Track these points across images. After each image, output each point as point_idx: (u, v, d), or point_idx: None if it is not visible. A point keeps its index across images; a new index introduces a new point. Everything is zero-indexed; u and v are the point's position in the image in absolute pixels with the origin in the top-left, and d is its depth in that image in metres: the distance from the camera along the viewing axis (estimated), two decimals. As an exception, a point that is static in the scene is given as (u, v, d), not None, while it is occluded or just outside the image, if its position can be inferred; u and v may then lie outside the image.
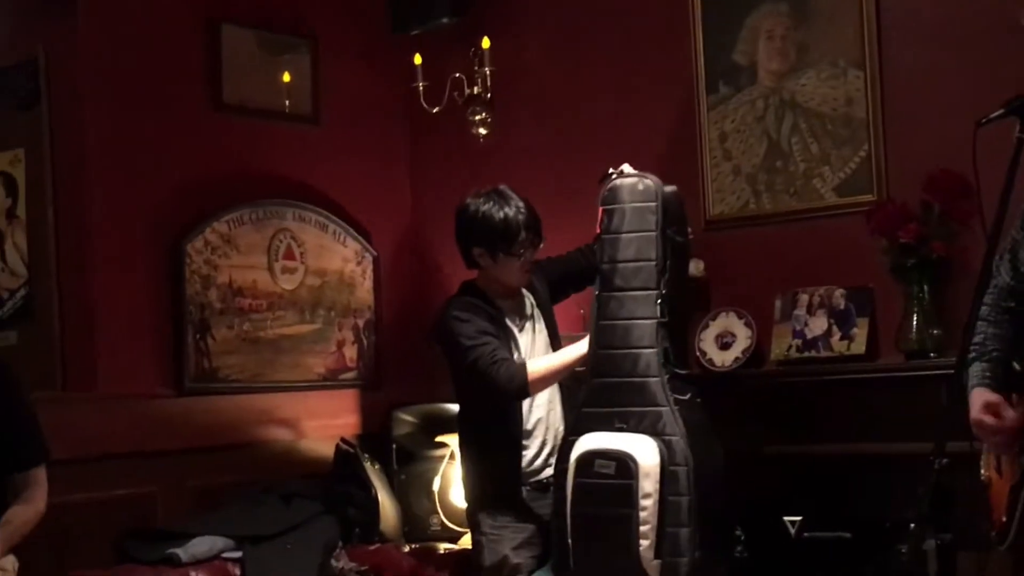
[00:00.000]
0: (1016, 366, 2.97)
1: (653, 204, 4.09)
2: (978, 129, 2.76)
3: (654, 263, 4.05)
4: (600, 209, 4.18)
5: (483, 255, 4.14)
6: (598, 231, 4.18)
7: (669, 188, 4.15)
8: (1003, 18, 4.16)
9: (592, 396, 4.06)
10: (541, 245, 4.21)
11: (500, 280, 4.19)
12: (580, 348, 4.08)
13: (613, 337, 4.06)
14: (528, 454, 4.13)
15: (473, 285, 4.24)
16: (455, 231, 4.23)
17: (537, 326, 4.25)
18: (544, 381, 4.07)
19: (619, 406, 3.99)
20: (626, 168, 4.21)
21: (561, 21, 5.47)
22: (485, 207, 4.12)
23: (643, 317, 4.03)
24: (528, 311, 4.26)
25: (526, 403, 4.10)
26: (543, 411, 4.17)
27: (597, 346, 4.09)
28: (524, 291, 4.27)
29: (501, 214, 4.09)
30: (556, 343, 4.27)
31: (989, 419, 2.83)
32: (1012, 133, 2.76)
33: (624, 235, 4.10)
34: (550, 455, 4.15)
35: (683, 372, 4.07)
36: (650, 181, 4.12)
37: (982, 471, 3.04)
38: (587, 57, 5.37)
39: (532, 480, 4.13)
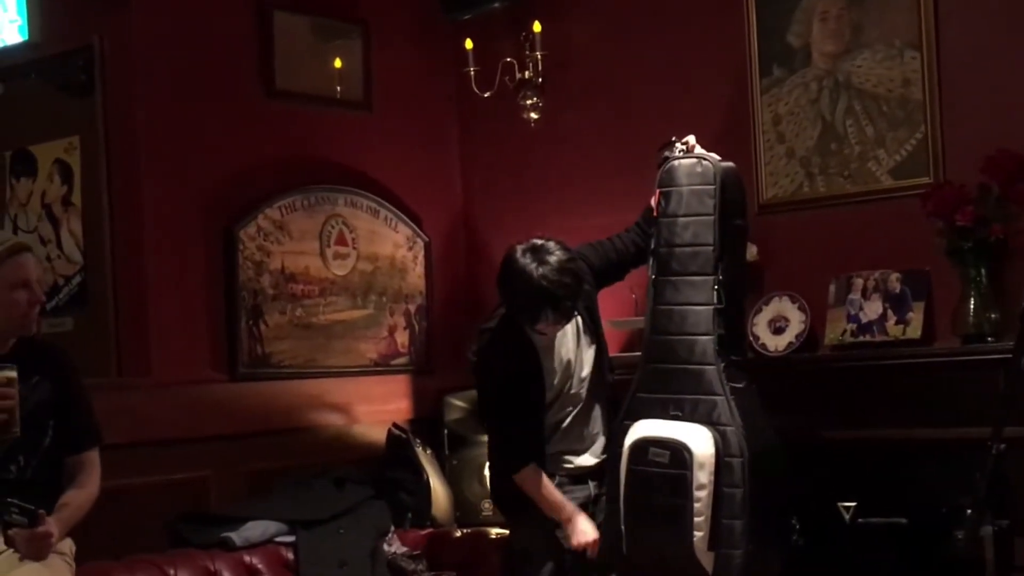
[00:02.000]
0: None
1: (711, 187, 4.02)
2: None
3: (711, 248, 4.00)
4: (657, 191, 4.13)
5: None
6: (655, 214, 4.13)
7: (726, 164, 4.10)
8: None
9: (646, 381, 4.03)
10: (572, 316, 4.01)
11: None
12: (572, 519, 3.99)
13: (669, 323, 4.03)
14: (565, 457, 4.13)
15: (512, 319, 4.08)
16: None
17: (581, 348, 4.12)
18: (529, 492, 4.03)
19: (674, 393, 3.95)
20: (691, 140, 4.14)
21: (612, 4, 5.44)
22: (517, 269, 3.92)
23: (699, 303, 3.99)
24: (571, 337, 4.11)
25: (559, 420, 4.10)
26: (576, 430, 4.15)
27: (653, 331, 4.06)
28: None
29: (523, 286, 3.88)
30: (602, 355, 4.18)
31: None
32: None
33: (681, 218, 4.05)
34: (587, 455, 4.14)
35: (739, 359, 4.02)
36: (708, 163, 4.05)
37: None
38: (638, 40, 5.33)
39: (565, 469, 4.11)
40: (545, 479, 4.02)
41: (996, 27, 4.43)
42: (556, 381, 4.08)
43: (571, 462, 4.12)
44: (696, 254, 4.02)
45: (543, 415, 4.06)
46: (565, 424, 4.11)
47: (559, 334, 4.06)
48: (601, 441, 4.16)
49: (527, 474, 4.01)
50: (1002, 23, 4.41)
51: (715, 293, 3.97)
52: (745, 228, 4.18)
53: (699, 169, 4.06)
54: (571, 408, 4.12)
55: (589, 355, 4.15)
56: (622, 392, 4.14)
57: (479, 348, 4.16)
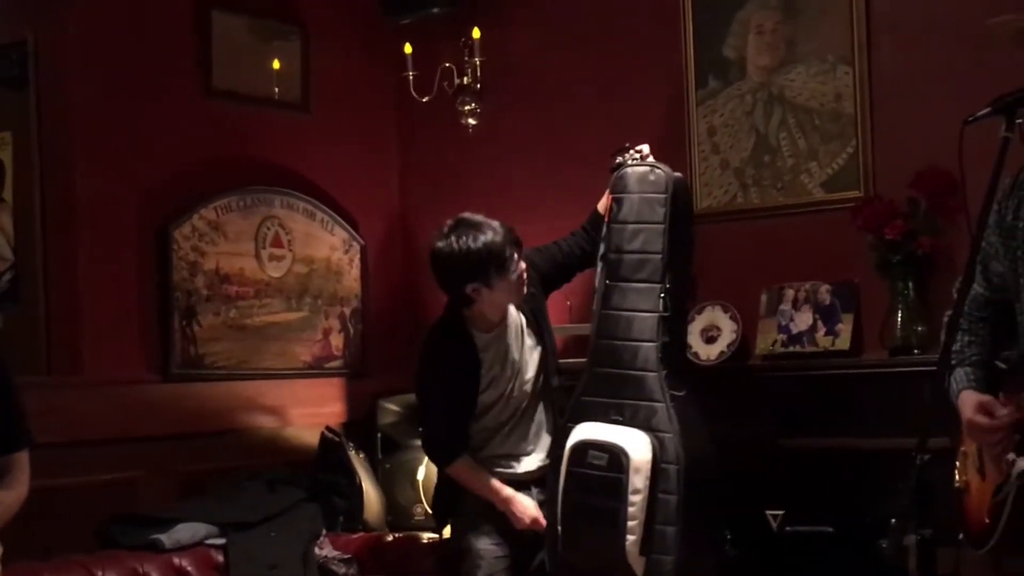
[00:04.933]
0: (1000, 365, 2.97)
1: (662, 196, 4.04)
2: (964, 127, 2.74)
3: (660, 256, 4.03)
4: (608, 196, 4.16)
5: (477, 289, 3.97)
6: (606, 219, 4.15)
7: (677, 174, 4.14)
8: (993, 17, 4.17)
9: (590, 385, 4.07)
10: (521, 250, 4.08)
11: (497, 305, 4.05)
12: (510, 499, 4.06)
13: (615, 328, 4.06)
14: (507, 462, 4.15)
15: (456, 317, 4.12)
16: (437, 278, 4.06)
17: (525, 349, 4.15)
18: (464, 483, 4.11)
19: (616, 398, 3.99)
20: (645, 149, 4.17)
21: (552, 12, 5.47)
22: (460, 242, 3.94)
23: (645, 310, 4.02)
24: (514, 338, 4.13)
25: (503, 424, 4.14)
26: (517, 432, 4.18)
27: (599, 336, 4.09)
28: (512, 312, 4.14)
29: (480, 242, 3.93)
30: (547, 359, 4.19)
31: (983, 419, 2.82)
32: (998, 132, 2.75)
33: (631, 225, 4.07)
34: (530, 460, 4.16)
35: (681, 368, 4.06)
36: (661, 171, 4.08)
37: (957, 477, 3.03)
38: (577, 49, 5.36)
39: (507, 474, 4.12)
40: (477, 467, 4.09)
41: (926, 45, 4.49)
42: (499, 380, 4.10)
43: (514, 467, 4.14)
44: (644, 261, 4.05)
45: (473, 411, 4.09)
46: (508, 427, 4.13)
47: (504, 333, 4.09)
48: (545, 445, 4.16)
49: (460, 466, 4.08)
50: (932, 41, 4.47)
51: (661, 301, 4.01)
52: (693, 238, 4.21)
53: (652, 177, 4.08)
54: (515, 410, 4.14)
55: (534, 357, 4.17)
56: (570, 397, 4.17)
57: (423, 340, 4.20)
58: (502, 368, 4.10)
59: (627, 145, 4.20)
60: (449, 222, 4.02)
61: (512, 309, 4.13)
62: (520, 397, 4.14)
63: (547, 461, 4.13)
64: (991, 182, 2.68)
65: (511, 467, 4.14)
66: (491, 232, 3.95)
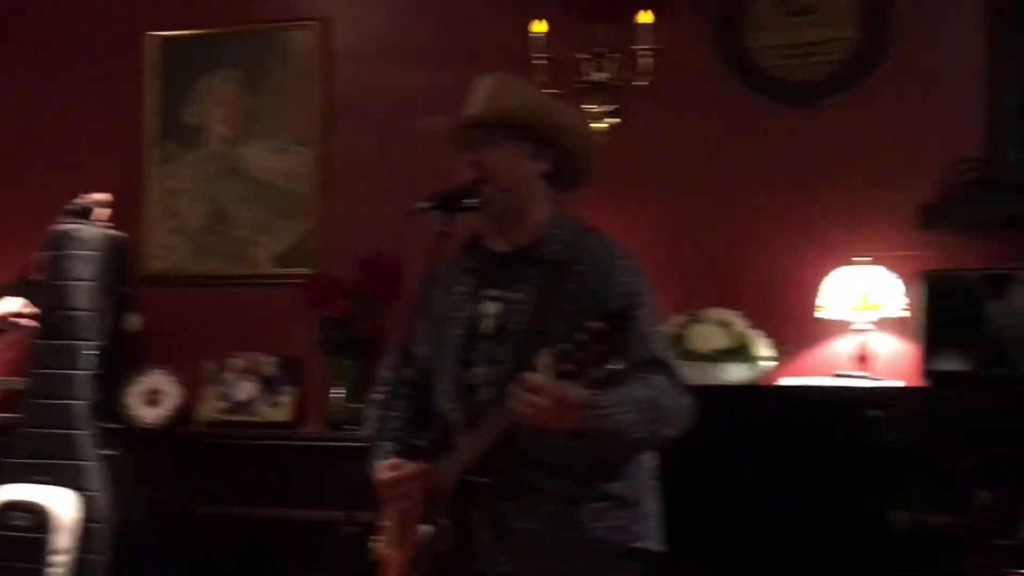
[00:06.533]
0: (417, 442, 3.15)
1: (95, 253, 4.12)
2: (406, 218, 2.85)
3: (92, 314, 4.08)
4: (43, 254, 4.10)
5: None
6: (41, 277, 4.10)
7: (115, 232, 4.16)
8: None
9: (18, 446, 4.02)
10: None
11: None
12: None
13: (45, 386, 4.05)
14: None
15: None
16: None
17: None
18: None
19: (44, 458, 3.97)
20: (97, 197, 4.17)
21: (9, 53, 5.23)
22: None
23: (76, 368, 4.05)
24: None
25: None
26: None
27: (30, 395, 4.08)
28: None
29: None
30: None
31: (391, 473, 2.94)
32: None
33: (64, 283, 4.09)
34: None
35: (114, 427, 4.06)
36: (95, 229, 4.13)
37: (378, 549, 3.15)
38: (31, 98, 5.16)
39: None
40: None
41: (381, 134, 4.75)
42: None
43: None
44: (77, 319, 4.08)
45: None
46: None
47: None
48: None
49: None
50: (389, 133, 4.72)
51: (93, 359, 4.04)
52: (128, 297, 4.22)
53: (84, 235, 4.13)
54: None
55: None
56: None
57: None
58: None
59: (81, 197, 4.19)
60: None
61: None
62: None
63: None
64: (424, 272, 2.83)
65: None
66: None
